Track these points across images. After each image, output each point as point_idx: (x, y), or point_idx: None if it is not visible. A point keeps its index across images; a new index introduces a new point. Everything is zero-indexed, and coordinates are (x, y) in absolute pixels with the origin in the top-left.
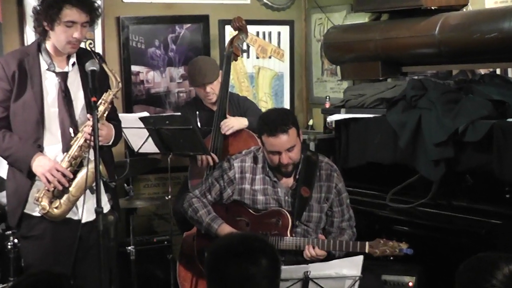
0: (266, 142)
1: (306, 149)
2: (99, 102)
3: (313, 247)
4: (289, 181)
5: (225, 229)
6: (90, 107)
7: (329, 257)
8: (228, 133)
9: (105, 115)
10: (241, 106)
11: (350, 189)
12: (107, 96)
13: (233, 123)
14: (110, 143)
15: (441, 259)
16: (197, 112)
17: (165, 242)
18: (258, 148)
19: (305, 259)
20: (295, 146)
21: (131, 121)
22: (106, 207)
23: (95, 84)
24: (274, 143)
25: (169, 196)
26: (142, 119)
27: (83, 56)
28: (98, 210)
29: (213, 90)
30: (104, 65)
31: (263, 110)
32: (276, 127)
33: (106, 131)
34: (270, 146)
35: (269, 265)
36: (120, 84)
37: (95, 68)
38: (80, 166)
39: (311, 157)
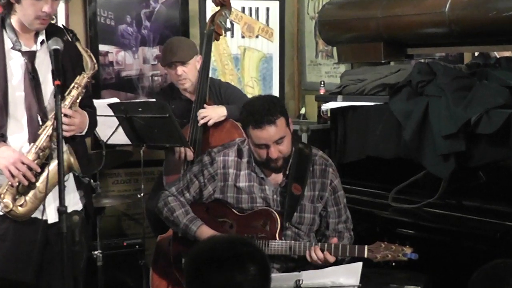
0: (252, 135)
1: (298, 141)
2: (71, 86)
3: (322, 250)
4: (278, 177)
5: (205, 231)
6: (62, 92)
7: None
8: (202, 123)
9: (78, 100)
10: (223, 93)
11: (348, 187)
12: (80, 80)
13: (210, 114)
14: (84, 132)
15: (450, 267)
16: (173, 102)
17: (137, 246)
18: (242, 140)
19: (296, 265)
20: (284, 137)
21: (98, 108)
22: (77, 206)
23: (58, 66)
24: (260, 136)
25: (142, 194)
26: (111, 105)
27: (54, 33)
28: (61, 209)
29: (185, 73)
30: (78, 44)
31: (250, 96)
32: (262, 118)
33: (79, 119)
34: (257, 139)
35: (258, 273)
36: (96, 66)
37: (58, 47)
38: (49, 158)
39: (303, 150)
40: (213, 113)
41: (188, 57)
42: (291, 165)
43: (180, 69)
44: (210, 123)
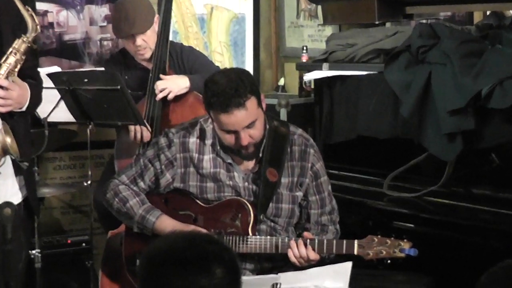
0: (217, 120)
1: (273, 118)
2: (8, 52)
3: (305, 245)
4: (250, 162)
5: (166, 223)
6: None
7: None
8: (161, 97)
9: (16, 69)
10: (185, 59)
11: (335, 172)
12: (19, 44)
13: (170, 86)
14: (24, 108)
15: (457, 267)
16: (125, 72)
17: (83, 244)
18: (206, 118)
19: (273, 266)
20: (256, 120)
21: None
22: (17, 196)
23: None
24: (227, 122)
25: (89, 182)
26: (51, 76)
27: None
28: None
29: (145, 42)
30: (16, 1)
31: (219, 65)
32: (228, 101)
33: (18, 92)
34: (224, 125)
35: (225, 276)
36: (38, 27)
37: None
38: None
39: (279, 129)
40: (173, 85)
41: (148, 25)
42: (265, 147)
43: (139, 40)
44: (170, 96)
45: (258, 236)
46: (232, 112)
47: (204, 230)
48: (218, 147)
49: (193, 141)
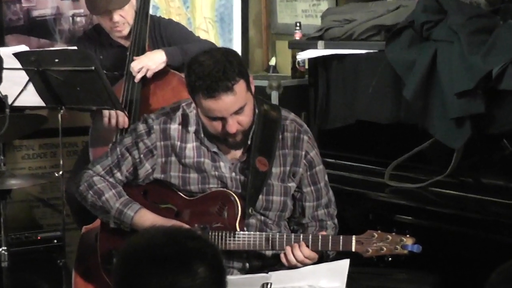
0: (202, 105)
1: (262, 101)
2: None
3: (299, 245)
4: (237, 151)
5: (146, 217)
6: None
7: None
8: (140, 78)
9: None
10: (163, 33)
11: (331, 161)
12: None
13: (146, 63)
14: None
15: (465, 264)
16: (100, 50)
17: (55, 241)
18: (189, 102)
19: (263, 264)
20: (245, 105)
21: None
22: None
23: None
24: (214, 108)
25: (61, 173)
26: (18, 56)
27: None
28: None
29: (123, 18)
30: None
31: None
32: (215, 85)
33: None
34: (210, 111)
35: (208, 276)
36: None
37: None
38: None
39: (269, 113)
40: (149, 62)
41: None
42: (254, 133)
43: (117, 16)
44: (149, 74)
45: (247, 232)
46: (219, 97)
47: (186, 226)
48: (202, 135)
49: (174, 127)
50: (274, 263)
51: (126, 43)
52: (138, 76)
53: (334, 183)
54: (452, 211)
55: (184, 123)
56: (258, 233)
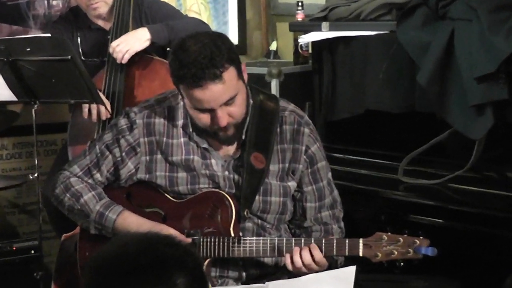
0: (189, 96)
1: (258, 91)
2: None
3: (310, 247)
4: (230, 147)
5: (129, 220)
6: None
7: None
8: (125, 60)
9: None
10: (147, 12)
11: (339, 156)
12: None
13: (128, 41)
14: None
15: (489, 268)
16: (78, 34)
17: (32, 252)
18: (176, 92)
19: (261, 273)
20: (236, 95)
21: None
22: None
23: None
24: (202, 98)
25: (36, 174)
26: None
27: None
28: None
29: None
30: None
31: None
32: (201, 73)
33: None
34: (197, 102)
35: (189, 287)
36: None
37: None
38: None
39: (265, 104)
40: (131, 39)
41: None
42: (249, 127)
43: None
44: (130, 53)
45: (248, 237)
46: (206, 86)
47: (169, 230)
48: (191, 129)
49: (160, 122)
50: (273, 272)
51: (107, 25)
52: (125, 57)
53: (341, 180)
54: (474, 209)
55: (171, 116)
56: (255, 238)
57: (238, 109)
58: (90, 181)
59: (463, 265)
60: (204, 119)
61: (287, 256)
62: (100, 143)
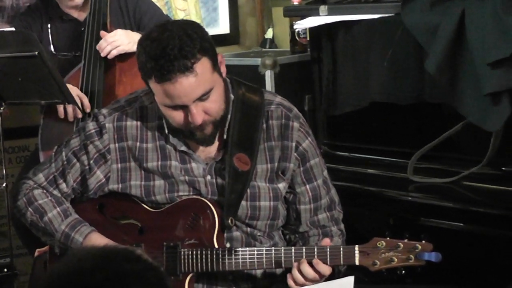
0: (158, 92)
1: (240, 83)
2: None
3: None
4: (211, 148)
5: (98, 242)
6: None
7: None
8: (111, 55)
9: None
10: (131, 9)
11: (342, 154)
12: None
13: (122, 40)
14: None
15: (507, 276)
16: (48, 26)
17: (4, 270)
18: (148, 91)
19: (253, 286)
20: (212, 89)
21: None
22: None
23: None
24: (171, 93)
25: (4, 184)
26: None
27: None
28: None
29: None
30: None
31: (182, 15)
32: (170, 65)
33: None
34: (166, 98)
35: None
36: None
37: None
38: None
39: (248, 98)
40: (126, 39)
41: None
42: (231, 125)
43: None
44: (120, 50)
45: (240, 248)
46: (175, 80)
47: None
48: (167, 131)
49: (131, 125)
50: (266, 285)
51: (82, 16)
52: (108, 49)
53: (346, 181)
54: (493, 210)
55: (143, 118)
56: (248, 248)
57: (214, 105)
58: (55, 192)
59: (478, 272)
60: (177, 117)
61: (288, 276)
62: (67, 149)
